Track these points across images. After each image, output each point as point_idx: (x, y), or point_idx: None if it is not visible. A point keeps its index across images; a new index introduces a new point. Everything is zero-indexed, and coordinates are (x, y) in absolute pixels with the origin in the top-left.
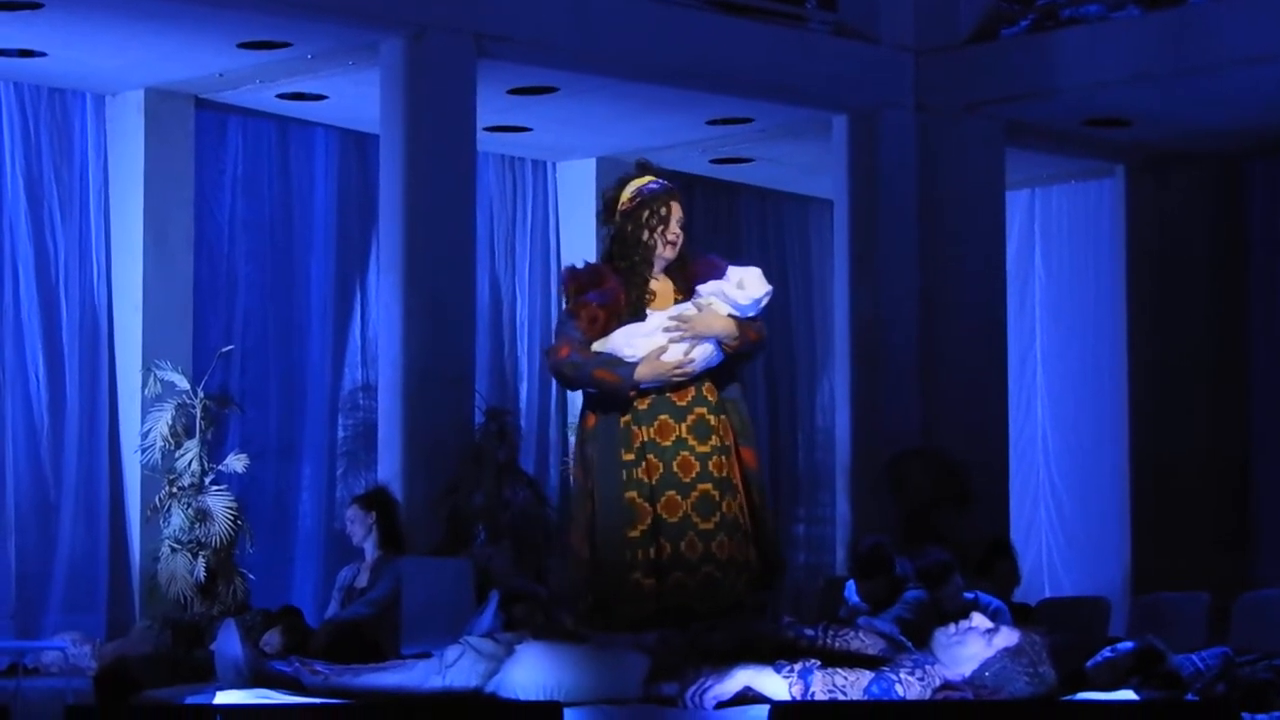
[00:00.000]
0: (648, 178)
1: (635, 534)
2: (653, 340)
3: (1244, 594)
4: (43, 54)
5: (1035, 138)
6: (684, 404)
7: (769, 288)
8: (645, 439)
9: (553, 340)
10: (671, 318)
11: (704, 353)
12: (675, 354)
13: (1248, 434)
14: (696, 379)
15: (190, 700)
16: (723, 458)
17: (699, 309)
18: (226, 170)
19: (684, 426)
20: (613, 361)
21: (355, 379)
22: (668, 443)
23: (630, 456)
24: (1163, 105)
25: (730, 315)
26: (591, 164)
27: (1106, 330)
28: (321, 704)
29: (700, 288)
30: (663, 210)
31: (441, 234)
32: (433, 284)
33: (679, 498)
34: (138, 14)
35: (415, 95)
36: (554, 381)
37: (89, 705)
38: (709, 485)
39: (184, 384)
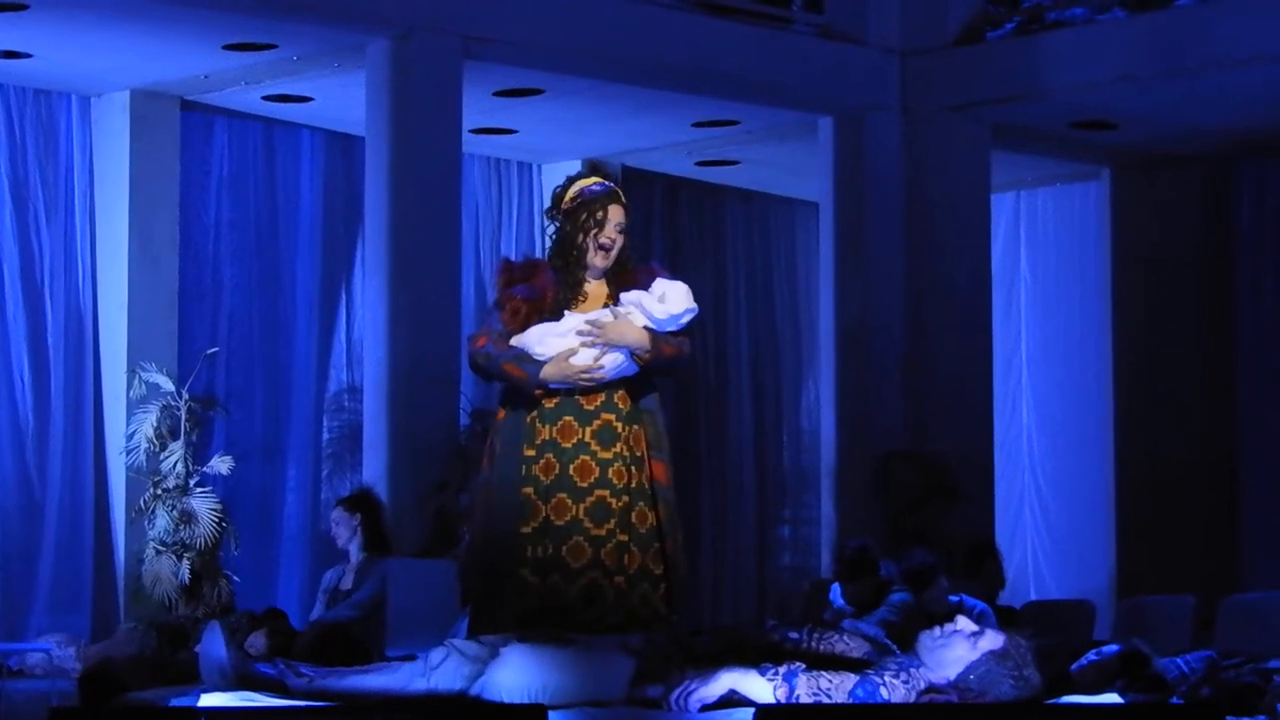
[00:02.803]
0: (593, 179)
1: (526, 530)
2: (565, 341)
3: (1229, 597)
4: (28, 55)
5: (1021, 140)
6: (591, 408)
7: (693, 306)
8: (547, 437)
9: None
10: (587, 322)
11: (614, 361)
12: (584, 358)
13: (1234, 437)
14: (608, 386)
15: (174, 703)
16: (629, 467)
17: (616, 317)
18: (212, 172)
19: (588, 430)
20: (522, 357)
21: (341, 380)
22: (568, 444)
23: (531, 452)
24: (1149, 107)
25: (646, 327)
26: (577, 166)
27: (1092, 333)
28: (306, 706)
29: (623, 296)
30: (599, 214)
31: (427, 236)
32: (418, 286)
33: (570, 501)
34: (123, 16)
35: (401, 97)
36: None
37: (73, 707)
38: (606, 492)
39: (169, 386)
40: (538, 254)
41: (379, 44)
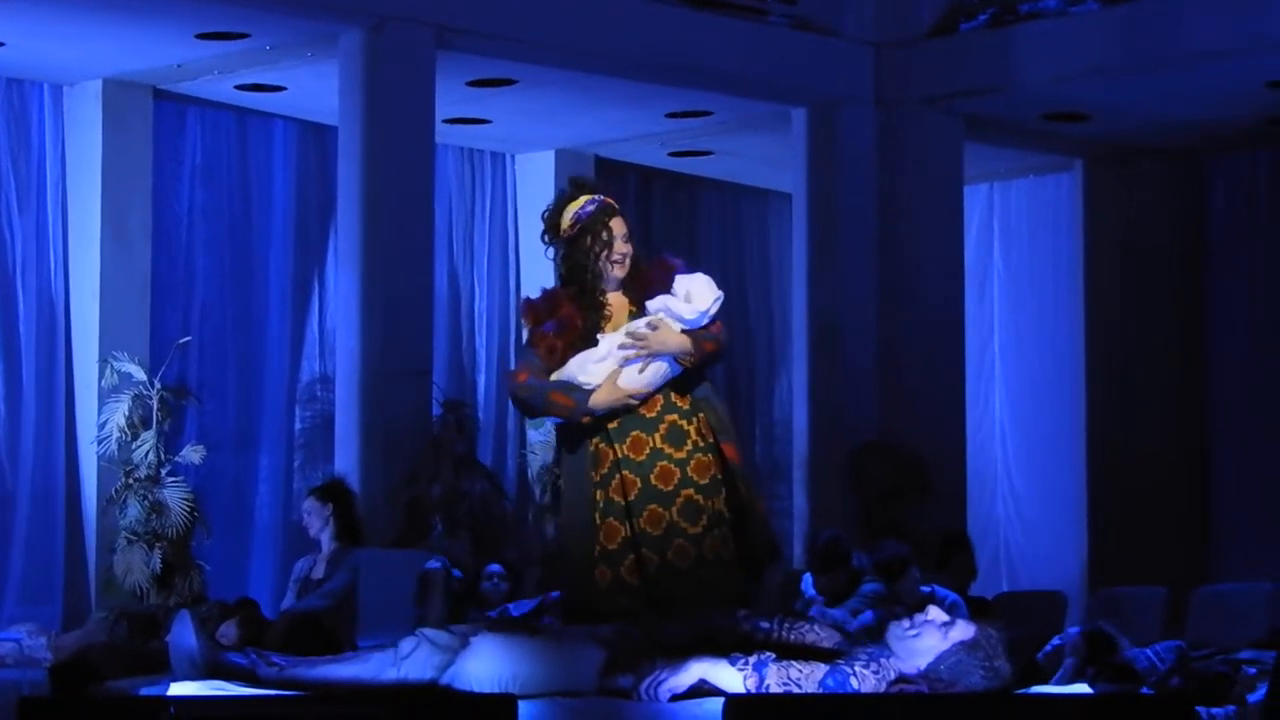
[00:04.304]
0: (583, 198)
1: (597, 553)
2: (605, 366)
3: (1201, 588)
4: (0, 44)
5: (994, 132)
6: (653, 415)
7: (719, 294)
8: (617, 457)
9: (512, 366)
10: (628, 333)
11: (658, 372)
12: (632, 382)
13: (1206, 429)
14: (661, 389)
15: (145, 692)
16: (704, 457)
17: (652, 327)
18: (185, 161)
19: (658, 436)
20: (569, 386)
21: (313, 371)
22: (642, 457)
23: (598, 477)
24: (1121, 100)
25: (683, 330)
26: (550, 156)
27: (1065, 325)
28: (276, 695)
29: (649, 304)
30: (604, 234)
31: (400, 226)
32: (391, 276)
33: (661, 509)
34: (96, 4)
35: (374, 87)
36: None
37: (44, 697)
38: (691, 490)
39: (141, 375)
40: (509, 245)
41: (352, 33)
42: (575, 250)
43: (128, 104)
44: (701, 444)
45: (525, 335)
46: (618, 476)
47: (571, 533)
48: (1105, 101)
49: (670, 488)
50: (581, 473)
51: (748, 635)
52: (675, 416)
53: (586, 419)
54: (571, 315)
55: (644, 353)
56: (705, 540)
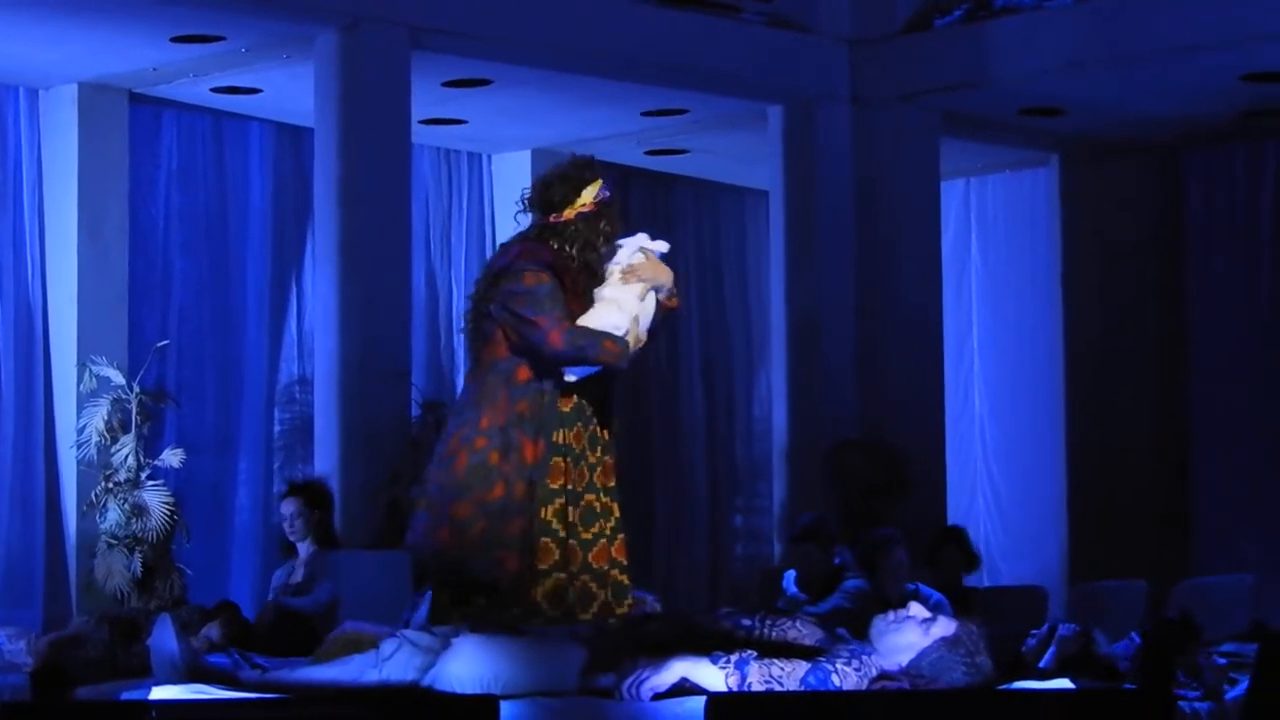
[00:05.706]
0: (599, 180)
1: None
2: (625, 321)
3: (1181, 581)
4: None
5: (970, 127)
6: (589, 413)
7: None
8: (560, 441)
9: (535, 316)
10: (623, 270)
11: (651, 311)
12: (643, 330)
13: (1185, 423)
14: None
15: (126, 696)
16: (610, 460)
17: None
18: (161, 164)
19: (585, 435)
20: (611, 335)
21: (292, 372)
22: (579, 448)
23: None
24: (1097, 95)
25: None
26: (526, 156)
27: (1043, 319)
28: (257, 698)
29: (624, 242)
30: (616, 222)
31: (377, 227)
32: (369, 277)
33: (567, 505)
34: (71, 8)
35: (350, 88)
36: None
37: (25, 701)
38: (594, 496)
39: (120, 379)
40: (487, 245)
41: (327, 35)
42: (588, 229)
43: (103, 107)
44: (605, 454)
45: (539, 285)
46: (558, 459)
47: (528, 500)
48: (1081, 96)
49: (580, 488)
50: (547, 443)
51: (729, 633)
52: (595, 426)
53: (570, 379)
54: (579, 284)
55: (644, 277)
56: (592, 548)
